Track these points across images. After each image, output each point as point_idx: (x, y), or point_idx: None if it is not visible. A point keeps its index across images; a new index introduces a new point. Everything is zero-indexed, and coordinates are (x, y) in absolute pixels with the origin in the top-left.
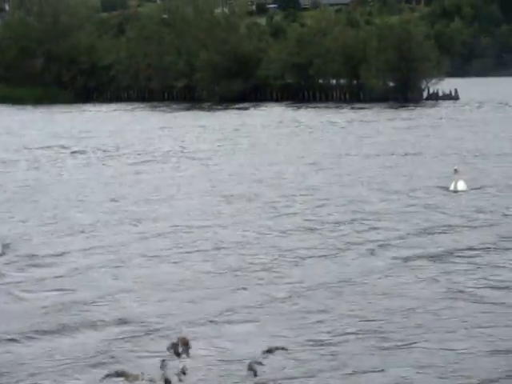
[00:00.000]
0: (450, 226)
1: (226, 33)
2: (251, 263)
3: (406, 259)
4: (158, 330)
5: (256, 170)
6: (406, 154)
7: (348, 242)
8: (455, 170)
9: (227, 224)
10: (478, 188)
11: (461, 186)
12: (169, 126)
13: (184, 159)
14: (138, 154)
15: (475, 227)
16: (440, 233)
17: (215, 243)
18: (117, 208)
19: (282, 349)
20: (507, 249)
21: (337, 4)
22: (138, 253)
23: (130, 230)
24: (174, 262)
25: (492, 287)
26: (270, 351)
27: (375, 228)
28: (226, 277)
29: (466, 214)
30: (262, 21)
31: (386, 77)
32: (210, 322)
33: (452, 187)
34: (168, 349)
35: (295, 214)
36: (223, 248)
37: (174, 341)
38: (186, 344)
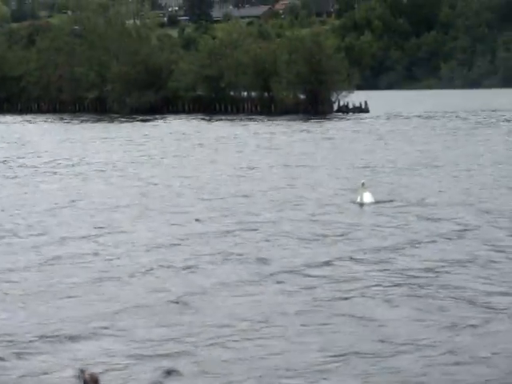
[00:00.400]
0: (348, 236)
1: (138, 44)
2: (129, 270)
3: (295, 269)
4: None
5: (146, 183)
6: (315, 166)
7: (239, 253)
8: (362, 184)
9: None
10: (385, 201)
11: (367, 198)
12: (73, 137)
13: (85, 171)
14: (36, 166)
15: (376, 238)
16: (334, 244)
17: (95, 251)
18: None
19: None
20: (413, 255)
21: (248, 16)
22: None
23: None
24: (40, 271)
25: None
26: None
27: (268, 240)
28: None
29: (369, 225)
30: (174, 33)
31: (296, 89)
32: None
33: (358, 200)
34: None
35: (180, 224)
36: (100, 257)
37: (85, 377)
38: (95, 381)
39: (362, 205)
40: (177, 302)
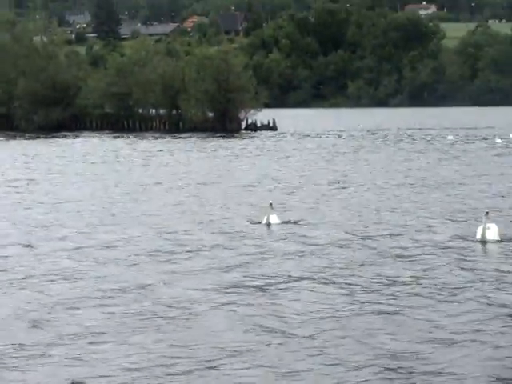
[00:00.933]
0: (250, 258)
1: (45, 61)
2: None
3: (205, 290)
4: None
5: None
6: (220, 184)
7: (147, 273)
8: (270, 204)
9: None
10: (292, 222)
11: (273, 219)
12: None
13: None
14: None
15: (282, 260)
16: (241, 265)
17: None
18: None
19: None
20: (311, 279)
21: (157, 34)
22: None
23: None
24: None
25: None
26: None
27: (166, 261)
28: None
29: (273, 246)
30: (82, 50)
31: (205, 107)
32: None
33: (265, 220)
34: None
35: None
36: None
37: None
38: None
39: (268, 225)
40: None
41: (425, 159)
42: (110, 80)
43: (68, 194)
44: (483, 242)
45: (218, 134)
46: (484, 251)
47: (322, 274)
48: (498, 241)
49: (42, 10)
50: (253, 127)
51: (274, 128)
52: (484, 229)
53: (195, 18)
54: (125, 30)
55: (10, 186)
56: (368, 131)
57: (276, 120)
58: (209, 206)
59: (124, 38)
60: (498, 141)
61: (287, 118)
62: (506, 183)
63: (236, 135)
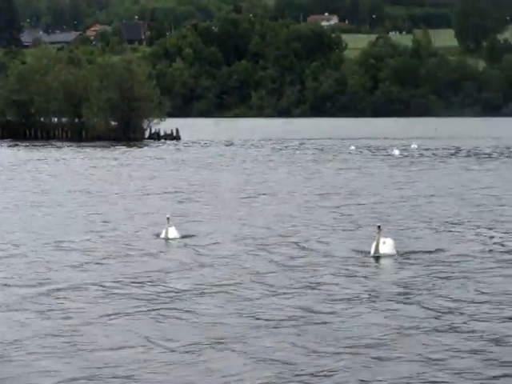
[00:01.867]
0: (145, 274)
1: None
2: None
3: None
4: None
5: None
6: (118, 196)
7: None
8: (167, 219)
9: None
10: (190, 236)
11: (172, 233)
12: None
13: None
14: None
15: (181, 276)
16: (134, 280)
17: None
18: None
19: None
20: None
21: (59, 42)
22: None
23: None
24: None
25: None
26: None
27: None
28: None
29: (172, 262)
30: None
31: (108, 116)
32: None
33: (163, 235)
34: None
35: None
36: None
37: None
38: None
39: (166, 240)
40: None
41: (326, 170)
42: (11, 87)
43: None
44: (377, 257)
45: (122, 143)
46: (377, 266)
47: (215, 288)
48: (392, 255)
49: None
50: (156, 136)
51: (177, 137)
52: (377, 243)
53: (98, 27)
54: (26, 37)
55: None
56: (269, 140)
57: (179, 129)
58: (105, 218)
59: (26, 46)
60: (396, 152)
61: (190, 127)
62: (397, 195)
63: (140, 144)
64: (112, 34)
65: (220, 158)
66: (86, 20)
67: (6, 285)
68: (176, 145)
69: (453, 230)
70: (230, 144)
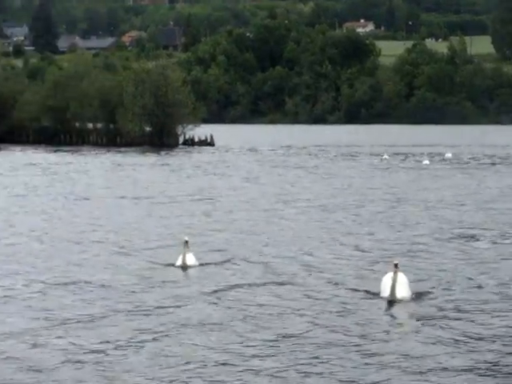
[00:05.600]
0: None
1: None
2: None
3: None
4: None
5: None
6: (143, 201)
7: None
8: (185, 242)
9: None
10: (209, 263)
11: (190, 260)
12: None
13: None
14: None
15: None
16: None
17: None
18: None
19: None
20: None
21: (95, 48)
22: None
23: None
24: None
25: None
26: None
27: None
28: None
29: (191, 294)
30: (19, 62)
31: (142, 121)
32: None
33: (179, 262)
34: None
35: None
36: None
37: None
38: None
39: (183, 268)
40: None
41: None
42: (47, 93)
43: None
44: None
45: (156, 149)
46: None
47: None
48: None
49: None
50: (190, 142)
51: (211, 143)
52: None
53: (134, 33)
54: (62, 43)
55: None
56: (304, 147)
57: (213, 135)
58: (122, 232)
59: (62, 52)
60: (426, 162)
61: (225, 133)
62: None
63: (174, 150)
64: (147, 39)
65: (255, 164)
66: (122, 26)
67: None
68: (210, 151)
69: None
70: (266, 150)
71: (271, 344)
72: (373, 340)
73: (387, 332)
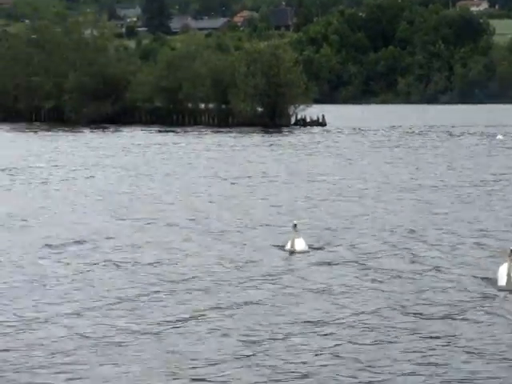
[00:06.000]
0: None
1: (95, 54)
2: None
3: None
4: None
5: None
6: (259, 182)
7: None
8: (294, 226)
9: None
10: (320, 248)
11: (299, 245)
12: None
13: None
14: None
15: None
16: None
17: None
18: None
19: None
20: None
21: (207, 28)
22: None
23: None
24: None
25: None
26: None
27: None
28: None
29: (297, 282)
30: (132, 43)
31: (254, 102)
32: None
33: (289, 246)
34: None
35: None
36: None
37: None
38: None
39: (292, 253)
40: None
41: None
42: (160, 74)
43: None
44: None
45: (268, 129)
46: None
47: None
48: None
49: (93, 4)
50: (301, 123)
51: (323, 123)
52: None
53: (245, 13)
54: (175, 24)
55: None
56: (417, 127)
57: (325, 116)
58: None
59: (174, 32)
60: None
61: (337, 113)
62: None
63: (286, 130)
64: (259, 19)
65: (367, 144)
66: (234, 6)
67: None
68: (322, 131)
69: None
70: (378, 130)
71: (401, 331)
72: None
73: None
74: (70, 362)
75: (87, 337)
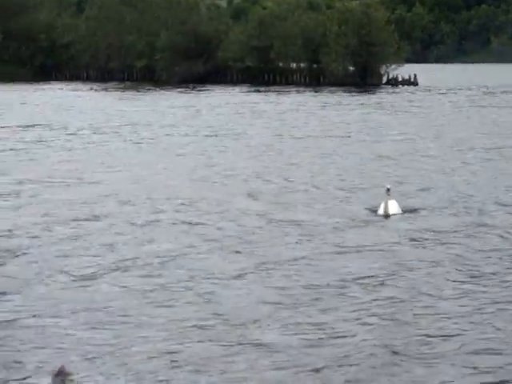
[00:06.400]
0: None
1: (187, 13)
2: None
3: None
4: None
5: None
6: (355, 142)
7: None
8: (387, 190)
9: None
10: (414, 210)
11: (392, 208)
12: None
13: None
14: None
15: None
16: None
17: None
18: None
19: None
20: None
21: None
22: None
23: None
24: None
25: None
26: None
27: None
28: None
29: (394, 245)
30: (223, 3)
31: (345, 61)
32: None
33: (382, 210)
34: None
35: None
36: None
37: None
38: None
39: (386, 216)
40: None
41: None
42: (251, 33)
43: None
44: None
45: (359, 89)
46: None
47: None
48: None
49: None
50: (393, 82)
51: (415, 83)
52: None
53: None
54: None
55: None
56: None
57: (417, 75)
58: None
59: None
60: None
61: (429, 72)
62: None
63: (377, 89)
64: None
65: (459, 103)
66: None
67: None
68: (414, 91)
69: None
70: (471, 89)
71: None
72: None
73: None
74: (118, 315)
75: (136, 291)
